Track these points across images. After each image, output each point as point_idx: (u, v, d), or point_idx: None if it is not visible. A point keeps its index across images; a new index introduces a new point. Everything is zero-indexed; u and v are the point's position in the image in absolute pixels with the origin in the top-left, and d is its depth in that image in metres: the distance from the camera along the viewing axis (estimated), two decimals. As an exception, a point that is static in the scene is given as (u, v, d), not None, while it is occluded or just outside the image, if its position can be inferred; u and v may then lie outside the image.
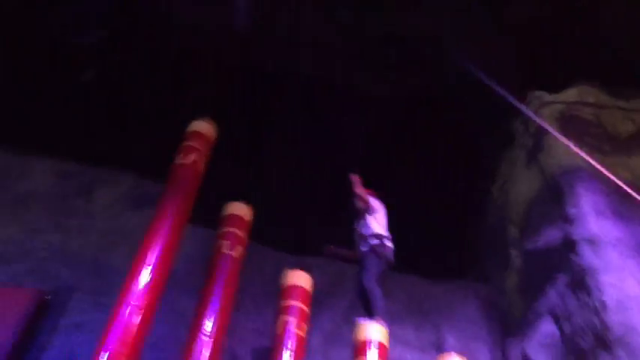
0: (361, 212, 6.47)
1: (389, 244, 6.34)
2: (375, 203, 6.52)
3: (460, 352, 6.71)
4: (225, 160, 6.53)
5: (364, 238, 6.35)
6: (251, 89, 8.60)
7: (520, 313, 7.34)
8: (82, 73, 8.62)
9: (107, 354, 4.34)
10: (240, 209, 6.14)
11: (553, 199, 7.05)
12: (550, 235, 6.94)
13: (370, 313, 5.93)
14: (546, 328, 6.62)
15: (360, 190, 6.40)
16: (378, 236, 6.33)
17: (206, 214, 7.00)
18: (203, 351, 4.98)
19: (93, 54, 8.54)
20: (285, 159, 8.42)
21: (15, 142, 8.24)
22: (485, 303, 7.95)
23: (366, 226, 6.39)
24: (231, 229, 5.92)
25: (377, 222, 6.44)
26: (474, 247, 9.36)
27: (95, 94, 8.82)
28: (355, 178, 6.44)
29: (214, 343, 5.13)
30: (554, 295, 6.63)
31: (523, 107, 6.83)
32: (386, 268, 6.30)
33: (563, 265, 6.57)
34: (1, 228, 7.28)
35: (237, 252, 5.83)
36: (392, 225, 8.91)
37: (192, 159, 5.79)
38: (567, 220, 6.64)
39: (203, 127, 6.06)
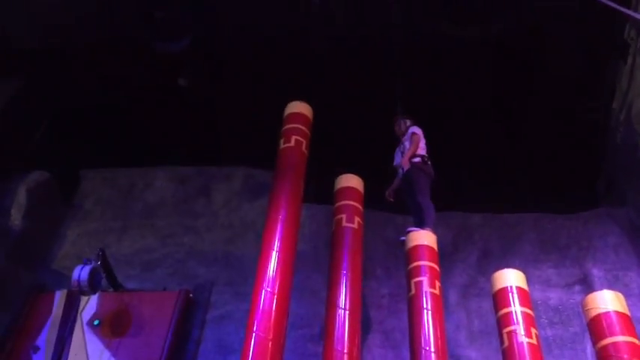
0: (407, 137, 7.02)
1: (429, 163, 6.89)
2: (418, 130, 7.03)
3: (609, 284, 6.39)
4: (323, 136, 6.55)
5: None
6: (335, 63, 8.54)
7: (668, 232, 6.80)
8: (178, 80, 8.92)
9: (253, 340, 4.51)
10: (351, 181, 6.14)
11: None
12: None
13: (422, 224, 6.30)
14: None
15: (404, 119, 7.11)
16: (422, 156, 6.87)
17: (318, 192, 7.11)
18: (342, 324, 5.06)
19: (183, 61, 8.82)
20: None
21: (133, 156, 8.80)
22: (627, 228, 7.45)
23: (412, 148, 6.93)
24: (347, 202, 5.94)
25: (421, 146, 6.96)
26: (606, 171, 8.77)
27: (191, 99, 9.15)
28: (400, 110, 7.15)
29: (351, 314, 5.20)
30: None
31: (631, 12, 6.20)
32: (431, 182, 6.79)
33: None
34: (139, 238, 7.85)
35: (356, 223, 5.85)
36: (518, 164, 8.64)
37: (294, 141, 5.83)
38: None
39: (299, 107, 6.09)
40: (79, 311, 6.75)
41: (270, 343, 4.52)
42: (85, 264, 6.57)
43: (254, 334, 4.55)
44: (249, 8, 8.20)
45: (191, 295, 7.09)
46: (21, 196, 7.50)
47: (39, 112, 8.74)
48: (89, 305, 6.80)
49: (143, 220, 8.07)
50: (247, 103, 8.87)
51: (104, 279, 6.85)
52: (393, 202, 7.16)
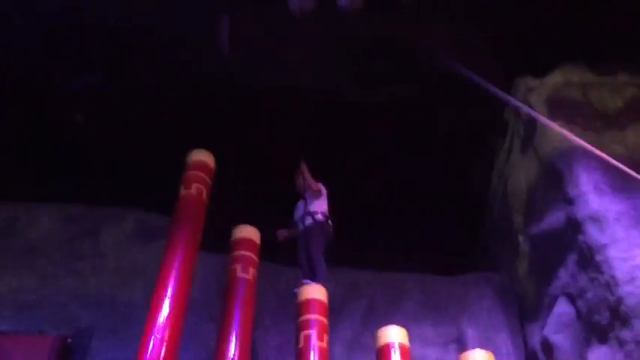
0: (309, 194, 7.31)
1: (330, 222, 7.22)
2: (323, 188, 7.34)
3: (481, 344, 6.83)
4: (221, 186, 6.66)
5: (311, 214, 7.14)
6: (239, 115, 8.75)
7: (535, 298, 7.43)
8: (73, 116, 8.70)
9: (139, 389, 4.40)
10: (248, 232, 6.24)
11: (552, 182, 7.15)
12: (554, 218, 7.03)
13: (314, 278, 6.62)
14: (562, 309, 6.71)
15: (308, 174, 7.33)
16: (325, 214, 7.17)
17: (214, 240, 7.13)
18: (230, 375, 5.05)
19: (80, 97, 8.65)
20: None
21: (17, 191, 8.35)
22: (500, 292, 8.04)
23: (317, 204, 7.23)
24: (242, 252, 6.02)
25: (324, 204, 7.28)
26: (483, 239, 9.47)
27: (86, 137, 8.93)
28: (303, 165, 7.37)
29: (240, 365, 5.20)
30: (566, 275, 6.73)
31: (510, 97, 6.93)
32: (328, 244, 7.12)
33: (570, 246, 6.66)
34: (16, 277, 7.38)
35: (250, 274, 5.93)
36: (396, 226, 9.11)
37: (195, 188, 5.88)
38: (569, 201, 6.74)
39: (202, 156, 6.17)
40: (-57, 354, 6.22)
41: (155, 393, 4.42)
42: (-46, 303, 6.13)
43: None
44: (152, 56, 8.25)
45: (69, 340, 6.75)
46: None
47: None
48: (-46, 347, 6.29)
49: (23, 259, 7.61)
50: (144, 147, 8.78)
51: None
52: (281, 241, 7.30)
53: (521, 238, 7.90)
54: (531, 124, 7.83)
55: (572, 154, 6.98)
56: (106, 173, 9.00)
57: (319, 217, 7.12)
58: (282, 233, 7.41)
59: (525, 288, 7.74)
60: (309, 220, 7.13)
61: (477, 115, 8.74)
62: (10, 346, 6.42)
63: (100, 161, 8.99)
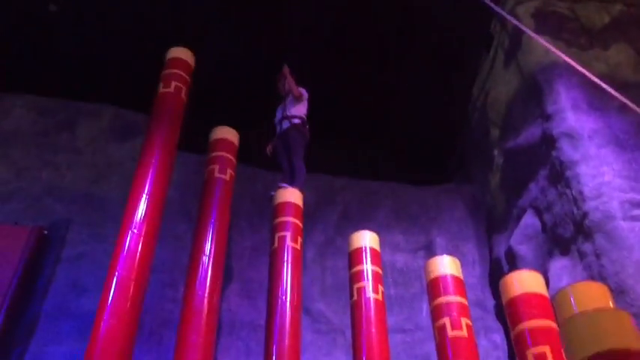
0: (288, 97, 7.29)
1: (307, 126, 7.22)
2: (305, 93, 7.29)
3: (449, 252, 7.07)
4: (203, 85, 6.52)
5: (289, 118, 7.13)
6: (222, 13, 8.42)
7: (504, 210, 7.66)
8: (48, 5, 8.31)
9: (116, 279, 4.52)
10: (227, 133, 6.21)
11: (532, 97, 7.17)
12: (530, 133, 7.12)
13: (293, 182, 6.73)
14: (529, 220, 6.94)
15: (290, 78, 7.24)
16: (302, 118, 7.16)
17: (191, 140, 7.09)
18: (205, 270, 5.19)
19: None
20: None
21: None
22: (471, 203, 8.26)
23: (296, 108, 7.21)
24: (221, 153, 6.02)
25: (303, 108, 7.25)
26: (459, 150, 9.59)
27: (63, 27, 8.57)
28: (286, 69, 7.29)
29: (214, 262, 5.34)
30: (536, 189, 6.91)
31: (497, 8, 6.78)
32: (306, 145, 7.16)
33: (543, 161, 6.80)
34: (-11, 168, 7.30)
35: (227, 175, 5.95)
36: (375, 134, 9.12)
37: (174, 86, 5.78)
38: (546, 117, 6.80)
39: (181, 53, 6.01)
40: None
41: (132, 284, 4.55)
42: None
43: (116, 274, 4.55)
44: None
45: (45, 232, 6.81)
46: None
47: None
48: None
49: (-3, 150, 7.54)
50: (123, 43, 8.49)
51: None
52: (270, 156, 7.36)
53: (496, 152, 8.02)
54: (517, 37, 7.74)
55: (554, 69, 6.98)
56: (82, 67, 8.73)
57: (296, 120, 7.10)
58: (270, 149, 7.41)
59: (496, 200, 7.95)
60: (286, 124, 7.12)
61: (462, 25, 8.56)
62: (-14, 236, 6.45)
63: (77, 55, 8.68)
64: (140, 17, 8.33)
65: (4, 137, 7.64)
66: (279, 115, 7.29)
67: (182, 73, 5.92)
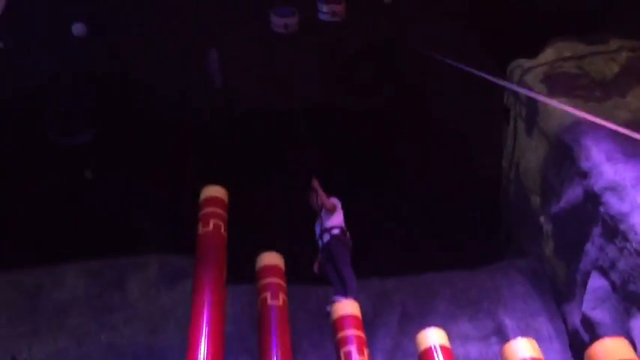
0: (323, 210, 7.35)
1: (347, 234, 7.28)
2: (337, 202, 7.38)
3: (522, 332, 6.77)
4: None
5: (328, 230, 7.20)
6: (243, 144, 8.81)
7: (566, 277, 7.37)
8: (83, 172, 8.78)
9: None
10: (272, 258, 6.23)
11: (563, 158, 7.12)
12: (571, 194, 6.99)
13: (345, 293, 6.65)
14: (596, 283, 6.64)
15: (321, 192, 7.34)
16: (341, 227, 7.24)
17: (236, 271, 7.13)
18: (278, 404, 5.03)
19: (88, 152, 8.74)
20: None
21: (39, 254, 8.43)
22: (531, 277, 7.97)
23: (332, 219, 7.28)
24: (270, 280, 6.01)
25: (339, 218, 7.33)
26: (503, 225, 9.43)
27: (98, 190, 9.00)
28: (315, 183, 7.39)
29: (285, 392, 5.18)
30: (594, 249, 6.67)
31: (506, 82, 6.94)
32: (350, 253, 7.17)
33: (593, 219, 6.62)
34: (51, 342, 7.42)
35: (281, 300, 5.91)
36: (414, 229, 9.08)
37: (213, 224, 5.90)
38: (583, 174, 6.71)
39: (215, 191, 6.19)
40: None
41: None
42: (-5, 375, 6.17)
43: None
44: (153, 97, 8.35)
45: (114, 395, 6.78)
46: None
47: None
48: (2, 421, 6.30)
49: (55, 322, 7.66)
50: (157, 191, 8.85)
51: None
52: (318, 274, 7.32)
53: (542, 219, 7.85)
54: (532, 104, 7.82)
55: (579, 127, 6.97)
56: (120, 223, 9.04)
57: (335, 231, 7.13)
58: (317, 267, 7.45)
59: (555, 269, 7.67)
60: (326, 237, 7.14)
61: (476, 105, 8.74)
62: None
63: (112, 211, 9.03)
64: (170, 160, 8.71)
65: (61, 308, 7.82)
66: (317, 230, 7.34)
67: (218, 210, 6.06)
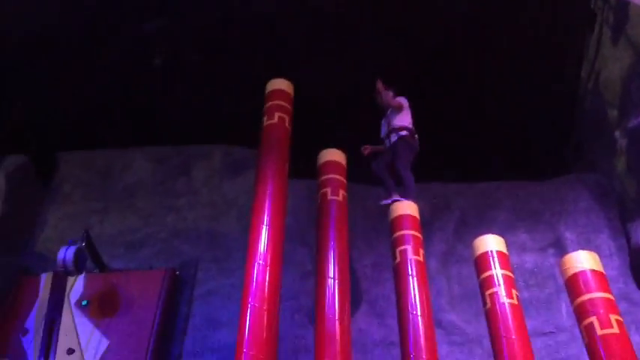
0: (391, 110, 7.14)
1: (416, 136, 7.08)
2: (404, 102, 7.13)
3: (581, 246, 6.67)
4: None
5: (396, 129, 7.00)
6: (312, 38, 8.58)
7: (636, 195, 7.11)
8: (152, 61, 8.85)
9: (249, 311, 4.64)
10: (334, 155, 6.27)
11: (650, 70, 6.67)
12: (654, 109, 6.61)
13: (406, 195, 6.52)
14: (667, 202, 6.40)
15: (385, 92, 7.13)
16: (409, 129, 7.01)
17: (297, 165, 7.21)
18: (332, 293, 5.22)
19: (156, 40, 8.75)
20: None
21: (109, 138, 8.76)
22: (598, 192, 7.74)
23: (399, 119, 7.06)
24: (331, 176, 6.07)
25: (407, 117, 7.11)
26: (574, 138, 9.08)
27: (164, 79, 9.10)
28: (380, 84, 7.15)
29: (340, 283, 5.36)
30: (670, 167, 6.37)
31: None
32: (415, 156, 7.01)
33: (673, 136, 6.27)
34: (121, 219, 7.88)
35: (340, 196, 5.98)
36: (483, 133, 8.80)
37: (277, 117, 5.92)
38: (670, 88, 6.29)
39: (280, 84, 6.16)
40: (67, 293, 6.77)
41: (265, 314, 4.66)
42: (70, 245, 6.61)
43: (250, 306, 4.67)
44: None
45: (177, 272, 7.18)
46: (0, 181, 7.44)
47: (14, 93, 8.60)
48: (76, 286, 6.83)
49: (124, 201, 8.10)
50: (224, 80, 8.86)
51: (89, 260, 6.90)
52: (367, 156, 7.23)
53: (617, 134, 7.49)
54: (622, 10, 7.25)
55: (672, 37, 6.45)
56: (191, 113, 9.17)
57: (403, 133, 6.99)
58: (367, 148, 7.29)
59: (626, 185, 7.40)
60: (394, 137, 7.03)
61: (562, 6, 8.17)
62: (126, 282, 6.92)
63: (183, 102, 9.15)
64: (237, 54, 8.65)
65: (130, 189, 8.23)
66: (384, 129, 7.23)
67: (283, 103, 6.06)
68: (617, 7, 7.45)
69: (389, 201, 6.53)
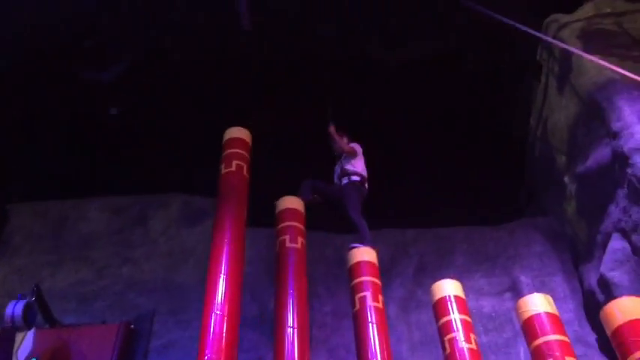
0: (345, 155, 7.35)
1: (366, 184, 7.28)
2: (358, 148, 7.36)
3: (537, 289, 6.77)
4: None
5: (348, 173, 7.21)
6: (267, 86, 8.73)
7: (587, 238, 7.31)
8: (109, 109, 8.82)
9: (207, 365, 4.53)
10: (293, 202, 6.27)
11: (594, 118, 6.96)
12: (599, 154, 6.86)
13: (361, 241, 6.69)
14: (616, 245, 6.58)
15: (338, 138, 7.34)
16: (361, 175, 7.23)
17: (254, 214, 7.19)
18: (291, 342, 5.14)
19: (113, 89, 8.75)
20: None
21: (63, 188, 8.59)
22: (550, 236, 7.93)
23: (352, 164, 7.28)
24: (289, 223, 6.05)
25: (360, 163, 7.32)
26: (527, 183, 9.34)
27: (121, 128, 9.06)
28: (332, 129, 7.37)
29: (299, 332, 5.28)
30: (617, 211, 6.58)
31: (542, 35, 6.73)
32: (363, 201, 7.19)
33: (619, 180, 6.51)
34: (73, 272, 7.66)
35: (299, 244, 5.97)
36: (435, 181, 9.00)
37: (235, 165, 5.92)
38: (613, 135, 6.56)
39: (238, 132, 6.19)
40: (15, 349, 6.46)
41: (223, 366, 4.54)
42: (19, 300, 6.37)
43: (207, 358, 4.56)
44: (179, 35, 8.28)
45: (132, 326, 6.96)
46: (-54, 235, 7.18)
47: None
48: (25, 342, 6.50)
49: (77, 253, 7.89)
50: (181, 131, 8.88)
51: (39, 315, 6.64)
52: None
53: (567, 179, 7.75)
54: (567, 61, 7.61)
55: (612, 86, 6.77)
56: (143, 161, 9.11)
57: (355, 177, 7.17)
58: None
59: (576, 229, 7.62)
60: (345, 180, 7.19)
61: (508, 58, 8.54)
62: (78, 337, 6.66)
63: (135, 150, 9.10)
64: (196, 101, 8.71)
65: (84, 241, 8.03)
66: (337, 171, 7.35)
67: (241, 151, 6.07)
68: (561, 57, 7.82)
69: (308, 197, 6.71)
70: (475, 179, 9.60)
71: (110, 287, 7.51)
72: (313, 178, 7.35)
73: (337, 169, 7.41)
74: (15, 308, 6.21)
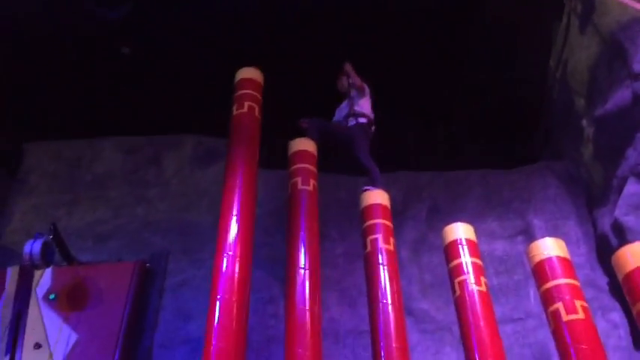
0: (352, 93, 7.13)
1: (373, 127, 7.10)
2: (367, 87, 7.14)
3: (550, 233, 6.76)
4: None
5: (356, 114, 6.99)
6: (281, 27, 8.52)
7: (602, 182, 7.23)
8: (120, 48, 8.70)
9: (218, 303, 4.61)
10: (305, 144, 6.23)
11: (615, 59, 6.75)
12: (619, 97, 6.69)
13: (372, 184, 6.53)
14: (631, 189, 6.54)
15: (354, 73, 7.10)
16: (368, 117, 7.03)
17: (269, 156, 7.16)
18: (302, 283, 5.20)
19: (125, 28, 8.60)
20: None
21: (78, 128, 8.59)
22: (565, 179, 7.86)
23: (360, 105, 7.06)
24: (301, 165, 6.03)
25: (367, 104, 7.10)
26: (543, 126, 9.18)
27: (133, 67, 8.95)
28: (348, 65, 7.15)
29: (311, 273, 5.34)
30: (634, 155, 6.49)
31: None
32: (370, 143, 7.00)
33: (638, 123, 6.37)
34: (89, 211, 7.74)
35: (311, 186, 5.96)
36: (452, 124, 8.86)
37: (247, 106, 5.86)
38: (634, 76, 6.38)
39: (250, 73, 6.09)
40: (34, 287, 6.65)
41: (234, 305, 4.62)
42: (37, 238, 6.48)
43: (218, 297, 4.64)
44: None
45: (147, 264, 7.09)
46: (-37, 173, 7.27)
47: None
48: (43, 280, 6.71)
49: (93, 193, 7.96)
50: (193, 70, 8.77)
51: (57, 253, 6.77)
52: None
53: (584, 122, 7.59)
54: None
55: (636, 26, 6.53)
56: (161, 102, 9.05)
57: (362, 119, 6.99)
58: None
59: (592, 173, 7.52)
60: (352, 122, 7.02)
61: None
62: (95, 275, 6.81)
63: (154, 91, 9.02)
64: (208, 41, 8.56)
65: (99, 180, 8.09)
66: (343, 111, 7.17)
67: (253, 92, 6.00)
68: (585, -4, 7.53)
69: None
70: (493, 122, 9.46)
71: (125, 226, 7.60)
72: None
73: (344, 107, 7.20)
74: (33, 246, 6.33)
